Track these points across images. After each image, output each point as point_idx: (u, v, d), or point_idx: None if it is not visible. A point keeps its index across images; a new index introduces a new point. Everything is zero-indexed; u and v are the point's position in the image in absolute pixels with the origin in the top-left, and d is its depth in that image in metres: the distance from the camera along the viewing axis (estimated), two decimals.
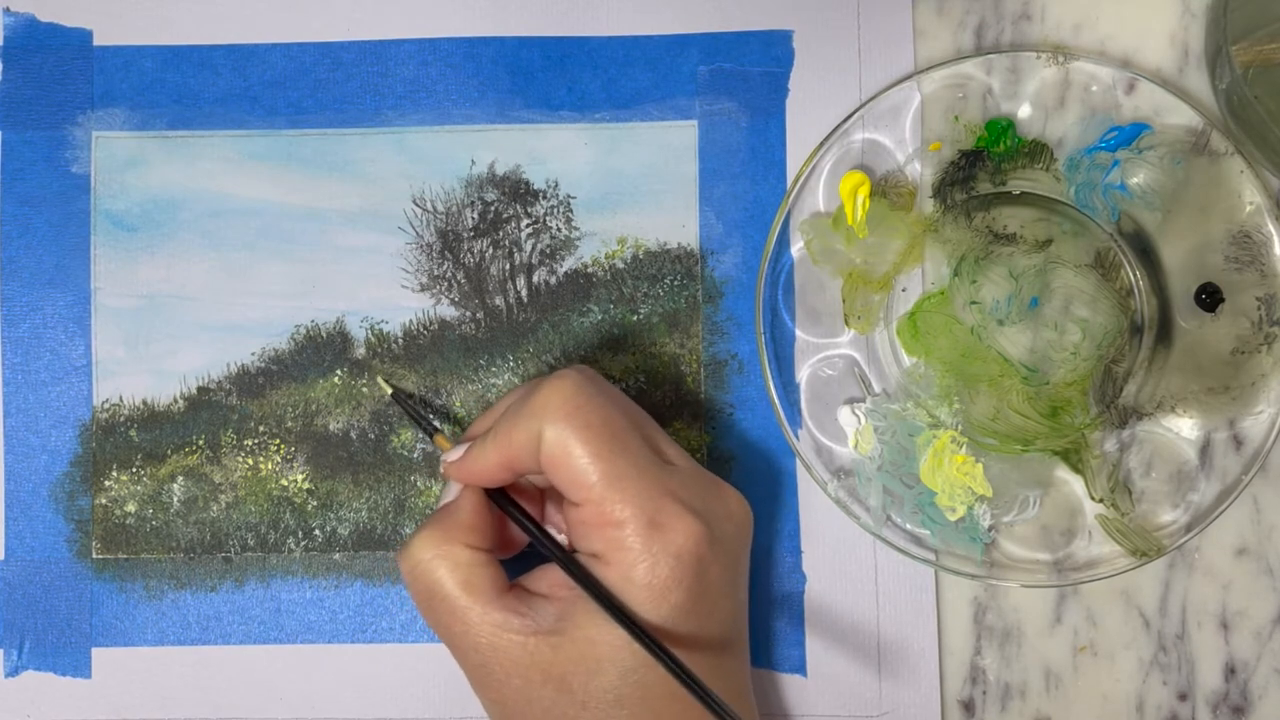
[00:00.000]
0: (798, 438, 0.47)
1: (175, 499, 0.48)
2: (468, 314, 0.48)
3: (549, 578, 0.42)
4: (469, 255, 0.48)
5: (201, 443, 0.48)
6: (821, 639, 0.48)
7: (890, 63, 0.48)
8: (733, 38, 0.48)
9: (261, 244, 0.49)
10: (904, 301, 0.48)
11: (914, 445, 0.47)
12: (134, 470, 0.48)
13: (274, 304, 0.48)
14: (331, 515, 0.48)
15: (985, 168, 0.47)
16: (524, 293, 0.48)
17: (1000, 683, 0.48)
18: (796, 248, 0.48)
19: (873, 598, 0.48)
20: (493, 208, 0.48)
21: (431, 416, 0.48)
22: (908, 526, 0.47)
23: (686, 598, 0.40)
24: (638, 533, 0.40)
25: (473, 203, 0.48)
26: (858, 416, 0.47)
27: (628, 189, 0.48)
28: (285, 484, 0.48)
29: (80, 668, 0.48)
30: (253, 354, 0.48)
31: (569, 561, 0.41)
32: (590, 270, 0.48)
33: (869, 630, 0.47)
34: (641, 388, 0.48)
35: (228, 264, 0.49)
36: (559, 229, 0.48)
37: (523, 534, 0.43)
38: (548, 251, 0.48)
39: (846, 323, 0.48)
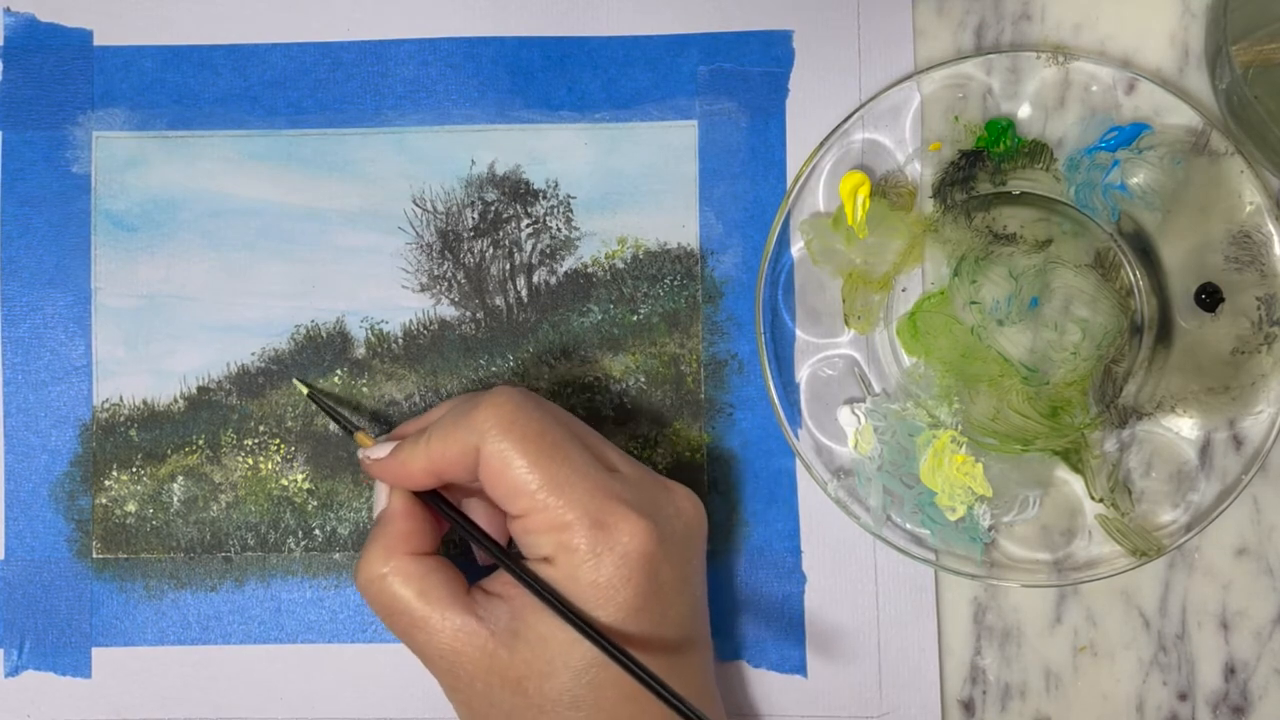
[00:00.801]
0: (798, 438, 0.47)
1: (175, 499, 0.48)
2: (468, 314, 0.48)
3: (503, 576, 0.42)
4: (469, 255, 0.48)
5: (201, 442, 0.48)
6: (821, 639, 0.47)
7: (890, 63, 0.48)
8: (733, 38, 0.48)
9: (261, 244, 0.49)
10: (904, 301, 0.48)
11: (914, 445, 0.47)
12: (134, 470, 0.48)
13: (274, 304, 0.48)
14: (331, 515, 0.48)
15: (985, 168, 0.47)
16: (524, 293, 0.48)
17: (1000, 683, 0.48)
18: (796, 248, 0.48)
19: (873, 598, 0.48)
20: (493, 208, 0.48)
21: (351, 415, 0.48)
22: (908, 526, 0.47)
23: (636, 596, 0.40)
24: (583, 533, 0.40)
25: (473, 203, 0.48)
26: (858, 416, 0.47)
27: (628, 189, 0.48)
28: (285, 484, 0.48)
29: (80, 667, 0.48)
30: (253, 354, 0.48)
31: (503, 554, 0.41)
32: (590, 270, 0.48)
33: (869, 630, 0.47)
34: (641, 388, 0.48)
35: (228, 264, 0.48)
36: (559, 229, 0.48)
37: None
38: (548, 251, 0.48)
39: (846, 323, 0.48)
